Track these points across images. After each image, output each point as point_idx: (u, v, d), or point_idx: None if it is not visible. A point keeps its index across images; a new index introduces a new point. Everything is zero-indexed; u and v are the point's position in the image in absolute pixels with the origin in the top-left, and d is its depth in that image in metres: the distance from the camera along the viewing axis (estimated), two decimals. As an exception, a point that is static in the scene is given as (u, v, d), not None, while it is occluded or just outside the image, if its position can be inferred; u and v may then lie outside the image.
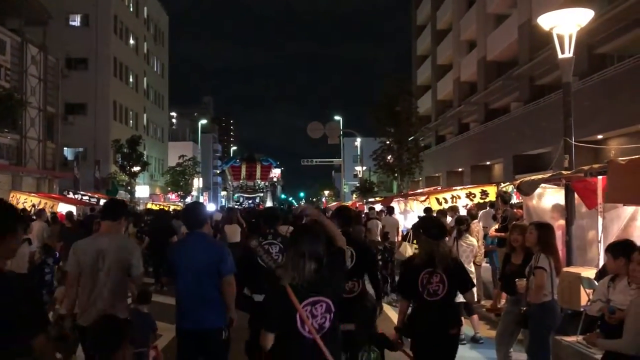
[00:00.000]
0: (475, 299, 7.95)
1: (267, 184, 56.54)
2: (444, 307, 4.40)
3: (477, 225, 10.08)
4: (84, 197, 24.42)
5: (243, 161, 57.02)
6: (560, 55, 8.06)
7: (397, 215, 16.45)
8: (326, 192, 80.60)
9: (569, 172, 7.68)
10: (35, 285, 2.57)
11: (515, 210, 9.73)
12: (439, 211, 12.08)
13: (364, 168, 43.05)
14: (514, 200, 11.31)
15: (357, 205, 27.44)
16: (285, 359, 3.21)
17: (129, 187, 35.15)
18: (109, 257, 4.38)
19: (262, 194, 56.34)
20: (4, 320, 2.25)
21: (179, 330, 4.53)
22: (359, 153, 49.02)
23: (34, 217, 12.28)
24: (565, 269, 7.19)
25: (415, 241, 10.40)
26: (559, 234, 8.02)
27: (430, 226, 4.78)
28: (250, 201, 55.44)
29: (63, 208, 20.42)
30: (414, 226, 10.67)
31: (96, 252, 4.38)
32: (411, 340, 4.51)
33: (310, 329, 3.12)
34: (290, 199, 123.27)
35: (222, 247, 4.86)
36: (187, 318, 4.47)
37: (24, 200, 17.78)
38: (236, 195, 55.64)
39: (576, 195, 7.82)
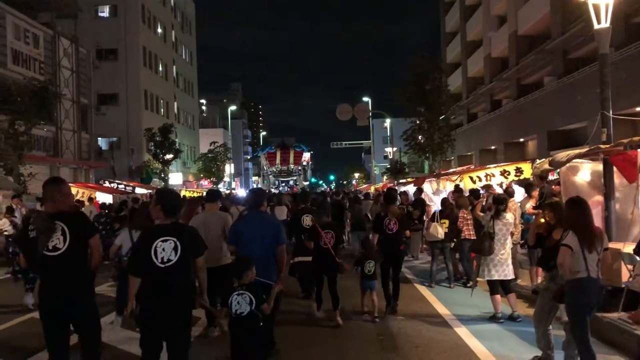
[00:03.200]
0: (512, 276, 7.86)
1: (299, 168, 61.10)
2: (397, 237, 8.32)
3: (514, 203, 9.93)
4: (120, 186, 24.89)
5: (278, 148, 61.99)
6: (596, 26, 7.83)
7: (431, 195, 16.34)
8: (356, 175, 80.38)
9: (608, 145, 7.50)
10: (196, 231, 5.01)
11: (553, 186, 9.55)
12: (471, 190, 11.91)
13: (394, 149, 42.79)
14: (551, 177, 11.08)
15: (389, 187, 27.28)
16: (316, 256, 7.80)
17: (162, 175, 35.72)
18: (212, 225, 6.77)
19: (295, 177, 61.39)
20: (194, 246, 4.50)
21: None
22: (388, 134, 48.70)
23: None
24: (605, 245, 7.04)
25: (442, 220, 10.37)
26: (598, 210, 7.86)
27: (386, 196, 9.02)
28: (284, 184, 59.07)
29: (100, 197, 20.92)
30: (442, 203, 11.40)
31: (204, 222, 6.76)
32: (384, 256, 8.19)
33: (325, 242, 7.58)
34: (321, 182, 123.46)
35: (278, 222, 6.41)
36: None
37: (62, 190, 18.20)
38: (272, 178, 60.25)
39: (615, 170, 7.63)
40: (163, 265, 4.26)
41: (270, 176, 63.05)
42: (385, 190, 13.01)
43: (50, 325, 4.37)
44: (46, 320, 4.37)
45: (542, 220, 6.07)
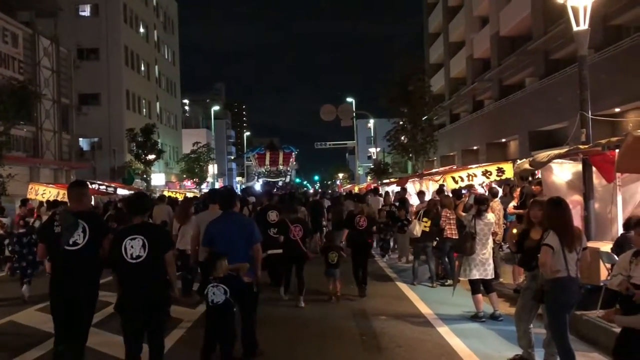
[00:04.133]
0: (493, 276, 7.92)
1: (288, 169, 63.33)
2: (365, 232, 9.70)
3: (498, 204, 10.00)
4: (101, 187, 24.59)
5: (267, 149, 64.21)
6: (575, 28, 7.93)
7: (413, 195, 16.43)
8: (340, 175, 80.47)
9: (587, 146, 7.60)
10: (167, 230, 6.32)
11: (533, 186, 9.65)
12: (453, 191, 12.01)
13: (378, 149, 42.88)
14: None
15: (373, 187, 27.37)
16: (286, 247, 8.98)
17: (144, 176, 35.41)
18: None
19: (284, 178, 63.38)
20: (161, 243, 4.98)
21: None
22: (372, 134, 48.81)
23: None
24: (584, 244, 7.12)
25: (425, 219, 10.46)
26: (577, 209, 7.96)
27: (355, 197, 12.24)
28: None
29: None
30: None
31: (207, 220, 6.62)
32: (350, 247, 9.63)
33: (294, 235, 8.84)
34: (305, 182, 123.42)
35: (251, 221, 6.50)
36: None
37: (42, 192, 17.94)
38: (262, 180, 62.59)
39: (594, 170, 7.73)
40: (133, 261, 4.79)
41: (261, 177, 64.62)
42: (367, 190, 13.22)
43: (59, 307, 4.96)
44: (55, 302, 4.98)
45: (515, 230, 6.13)
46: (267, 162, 63.18)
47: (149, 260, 4.80)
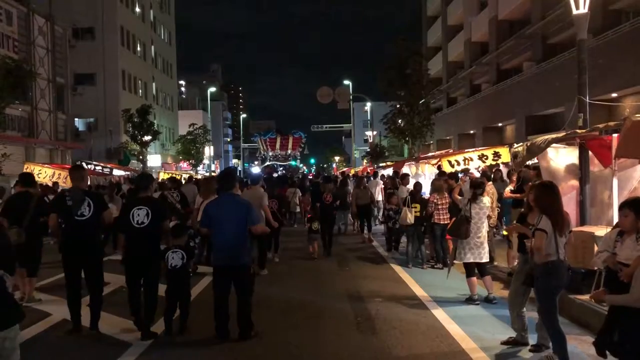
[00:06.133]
0: (488, 259, 7.95)
1: (297, 153, 68.08)
2: (331, 206, 12.63)
3: (491, 187, 10.01)
4: (97, 167, 24.53)
5: (278, 133, 68.39)
6: (574, 11, 7.88)
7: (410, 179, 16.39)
8: (337, 158, 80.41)
9: (584, 130, 7.59)
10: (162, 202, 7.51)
11: (529, 171, 9.66)
12: (450, 174, 12.01)
13: (375, 133, 42.82)
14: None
15: (368, 170, 27.42)
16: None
17: (140, 157, 35.30)
18: (254, 200, 8.10)
19: (291, 162, 67.65)
20: (160, 213, 6.25)
21: (216, 267, 6.13)
22: (369, 118, 48.76)
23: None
24: (579, 229, 7.17)
25: (414, 204, 10.50)
26: (573, 194, 7.98)
27: (325, 178, 15.46)
28: (281, 168, 63.76)
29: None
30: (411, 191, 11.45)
31: (250, 198, 7.50)
32: (320, 217, 12.03)
33: (271, 206, 10.25)
34: (301, 165, 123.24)
35: (248, 203, 6.43)
36: (222, 257, 6.02)
37: (38, 172, 17.86)
38: (270, 162, 66.81)
39: (590, 155, 7.74)
40: (138, 226, 6.07)
41: (271, 160, 67.73)
42: (364, 173, 13.34)
43: (69, 263, 6.29)
44: (67, 259, 6.29)
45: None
46: (278, 146, 65.48)
47: (150, 225, 6.07)
